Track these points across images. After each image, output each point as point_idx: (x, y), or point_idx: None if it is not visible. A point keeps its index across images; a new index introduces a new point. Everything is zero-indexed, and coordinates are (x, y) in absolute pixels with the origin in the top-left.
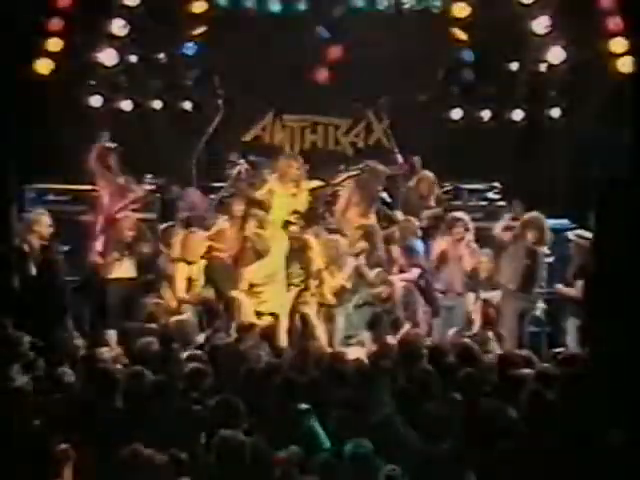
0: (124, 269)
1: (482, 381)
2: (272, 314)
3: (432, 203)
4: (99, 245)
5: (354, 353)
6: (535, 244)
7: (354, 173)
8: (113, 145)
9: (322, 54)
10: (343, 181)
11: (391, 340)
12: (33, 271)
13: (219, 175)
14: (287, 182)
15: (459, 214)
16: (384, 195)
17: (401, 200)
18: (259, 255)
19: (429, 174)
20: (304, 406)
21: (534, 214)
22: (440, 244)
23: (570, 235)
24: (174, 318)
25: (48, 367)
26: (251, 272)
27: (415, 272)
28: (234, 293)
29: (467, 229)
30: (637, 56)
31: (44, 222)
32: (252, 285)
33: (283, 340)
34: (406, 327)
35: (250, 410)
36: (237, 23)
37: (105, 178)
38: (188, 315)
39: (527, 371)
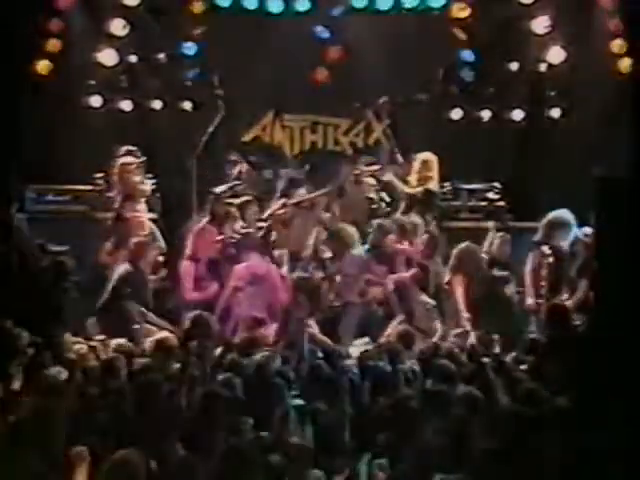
0: None
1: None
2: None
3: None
4: (108, 245)
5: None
6: (561, 242)
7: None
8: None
9: (322, 54)
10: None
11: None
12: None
13: (219, 175)
14: None
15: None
16: (384, 195)
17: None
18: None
19: (430, 155)
20: (298, 402)
21: (559, 213)
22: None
23: (585, 231)
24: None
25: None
26: (238, 271)
27: (412, 271)
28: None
29: None
30: (636, 57)
31: None
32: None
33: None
34: (398, 318)
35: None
36: (237, 23)
37: (123, 182)
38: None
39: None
